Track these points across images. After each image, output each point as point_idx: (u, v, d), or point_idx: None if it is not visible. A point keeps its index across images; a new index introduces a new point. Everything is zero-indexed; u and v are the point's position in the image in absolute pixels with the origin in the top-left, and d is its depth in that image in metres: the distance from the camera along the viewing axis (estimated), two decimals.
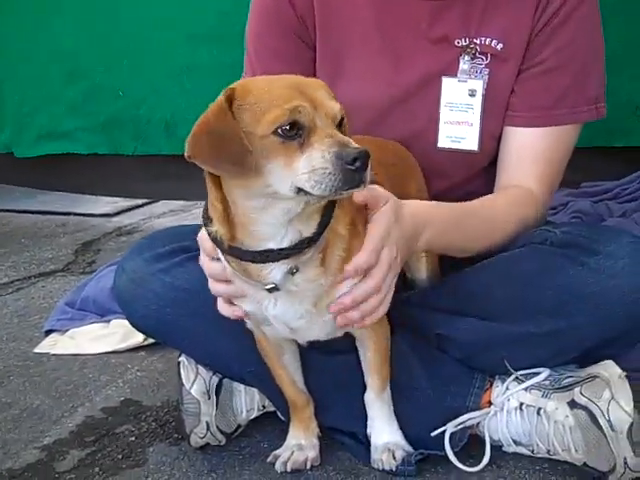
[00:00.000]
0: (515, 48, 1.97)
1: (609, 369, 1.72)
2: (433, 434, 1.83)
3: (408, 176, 2.00)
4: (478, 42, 1.97)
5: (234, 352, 1.91)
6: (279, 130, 1.37)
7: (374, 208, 1.58)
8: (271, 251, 1.50)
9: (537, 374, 1.83)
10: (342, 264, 1.56)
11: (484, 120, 2.00)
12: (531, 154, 2.00)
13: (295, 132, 1.37)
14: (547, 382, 1.81)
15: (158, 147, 4.42)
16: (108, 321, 2.87)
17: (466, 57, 1.98)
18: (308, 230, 1.50)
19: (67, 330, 2.86)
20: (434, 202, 1.81)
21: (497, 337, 1.83)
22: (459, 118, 2.01)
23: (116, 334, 2.75)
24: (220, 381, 2.00)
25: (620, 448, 1.62)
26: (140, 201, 5.02)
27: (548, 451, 1.78)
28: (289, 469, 1.86)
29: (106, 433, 2.16)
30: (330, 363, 1.91)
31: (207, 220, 1.56)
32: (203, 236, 1.61)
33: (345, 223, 1.57)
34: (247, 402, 2.04)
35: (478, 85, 1.99)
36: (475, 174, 2.11)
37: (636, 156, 3.55)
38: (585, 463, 1.72)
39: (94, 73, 4.51)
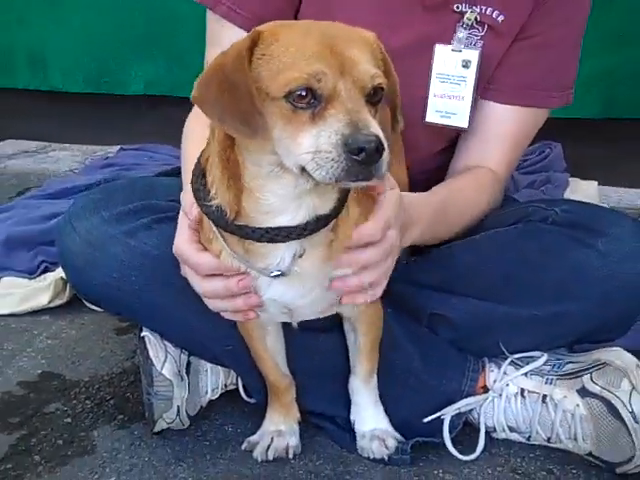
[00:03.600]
0: (515, 23, 1.83)
1: (623, 357, 1.68)
2: (428, 419, 1.73)
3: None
4: (478, 10, 1.80)
5: (210, 328, 1.69)
6: (291, 95, 1.16)
7: (382, 191, 1.43)
8: (282, 229, 1.32)
9: (534, 358, 1.77)
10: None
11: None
12: (502, 134, 1.90)
13: (309, 100, 1.17)
14: (547, 367, 1.75)
15: (19, 81, 3.95)
16: None
17: (464, 24, 1.81)
18: (324, 208, 1.33)
19: None
20: (422, 197, 1.69)
21: (495, 318, 1.74)
22: (450, 91, 1.85)
23: (13, 295, 2.43)
24: (189, 359, 1.78)
25: None
26: None
27: (548, 439, 1.72)
28: (270, 457, 1.70)
29: (34, 413, 1.89)
30: (313, 343, 1.75)
31: (205, 193, 1.35)
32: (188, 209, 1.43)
33: (356, 202, 1.42)
34: (213, 381, 1.85)
35: (473, 56, 1.82)
36: (447, 147, 1.99)
37: None
38: (590, 453, 1.68)
39: None
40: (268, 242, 1.34)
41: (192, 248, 1.43)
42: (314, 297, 1.46)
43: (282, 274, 1.38)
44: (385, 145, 1.15)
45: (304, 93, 1.16)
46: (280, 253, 1.36)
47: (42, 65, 3.92)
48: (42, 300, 2.41)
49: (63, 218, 1.80)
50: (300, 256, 1.37)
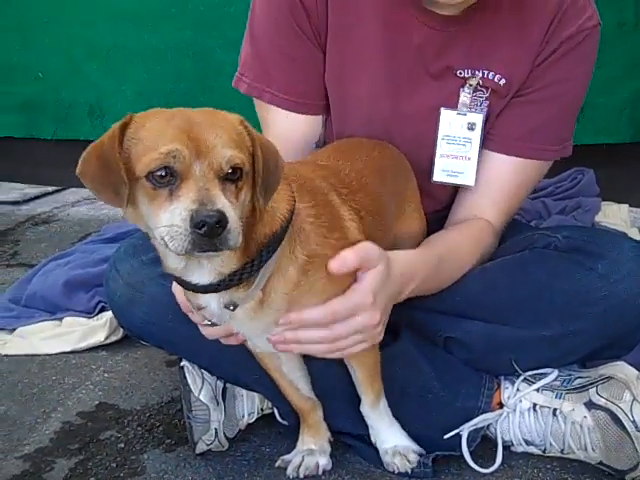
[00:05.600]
0: (515, 84, 1.95)
1: (625, 370, 1.79)
2: (447, 436, 1.85)
3: (405, 180, 2.00)
4: (480, 75, 1.94)
5: (239, 359, 1.85)
6: (151, 175, 1.29)
7: (365, 269, 1.55)
8: (195, 285, 1.47)
9: (545, 375, 1.88)
10: (290, 302, 1.53)
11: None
12: (497, 183, 2.00)
13: (168, 179, 1.29)
14: (557, 383, 1.87)
15: (80, 132, 4.21)
16: (60, 319, 2.75)
17: (467, 89, 1.95)
18: (226, 268, 1.44)
19: (14, 329, 2.72)
20: (417, 253, 1.78)
21: (505, 340, 1.86)
22: (456, 152, 1.98)
23: (73, 333, 2.64)
24: (224, 385, 1.94)
25: None
26: (49, 188, 4.81)
27: (562, 450, 1.83)
28: (302, 476, 1.83)
29: (90, 440, 2.07)
30: (331, 369, 1.88)
31: None
32: None
33: (298, 264, 1.52)
34: (248, 406, 2.01)
35: (478, 119, 1.95)
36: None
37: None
38: (601, 462, 1.78)
39: (10, 51, 4.26)
40: (195, 292, 1.50)
41: (178, 291, 1.62)
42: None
43: (213, 324, 1.57)
44: (230, 219, 1.26)
45: (163, 173, 1.28)
46: (210, 303, 1.52)
47: (100, 116, 4.18)
48: (99, 337, 2.61)
49: (109, 262, 2.00)
50: (232, 309, 1.50)
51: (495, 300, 1.87)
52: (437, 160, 1.99)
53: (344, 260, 1.51)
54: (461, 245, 1.91)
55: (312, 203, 1.57)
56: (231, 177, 1.33)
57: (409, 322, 1.91)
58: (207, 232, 1.24)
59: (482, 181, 1.99)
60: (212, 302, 1.51)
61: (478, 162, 1.98)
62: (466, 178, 1.99)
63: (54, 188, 4.81)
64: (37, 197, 4.69)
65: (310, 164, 1.79)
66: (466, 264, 1.90)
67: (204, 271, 1.44)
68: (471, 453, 1.85)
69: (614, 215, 3.31)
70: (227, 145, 1.32)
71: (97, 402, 2.27)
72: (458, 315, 1.90)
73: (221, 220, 1.25)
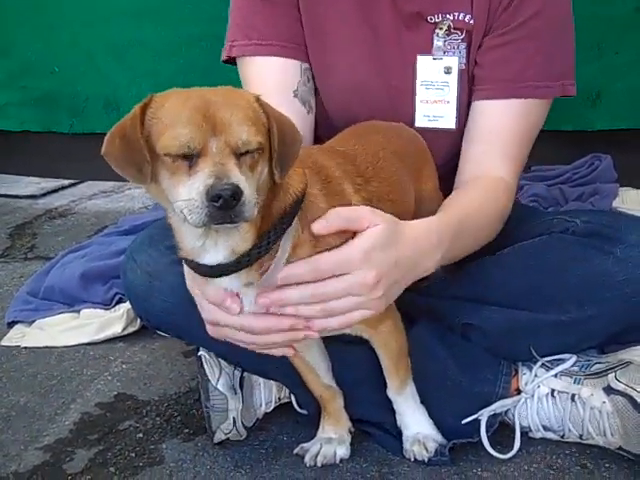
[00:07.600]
0: (480, 23, 1.94)
1: None
2: (465, 421, 1.84)
3: (422, 161, 2.00)
4: (451, 17, 1.95)
5: None
6: (170, 155, 1.33)
7: (358, 230, 1.51)
8: (215, 266, 1.46)
9: (563, 360, 1.87)
10: None
11: (463, 98, 1.99)
12: (501, 132, 1.96)
13: (186, 156, 1.33)
14: (576, 368, 1.85)
15: (96, 125, 4.23)
16: (77, 311, 2.76)
17: (439, 33, 1.96)
18: (242, 246, 1.44)
19: (33, 321, 2.73)
20: (435, 219, 1.72)
21: (523, 325, 1.85)
22: (435, 96, 1.99)
23: (91, 325, 2.65)
24: (242, 374, 1.94)
25: None
26: (65, 182, 4.84)
27: (580, 436, 1.82)
28: (319, 464, 1.83)
29: (109, 430, 2.08)
30: (352, 355, 1.88)
31: None
32: None
33: (308, 241, 1.52)
34: (266, 395, 2.01)
35: (453, 62, 1.97)
36: (457, 152, 2.06)
37: (585, 140, 3.66)
38: (620, 447, 1.77)
39: (27, 46, 4.29)
40: (209, 277, 1.50)
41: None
42: None
43: None
44: (245, 192, 1.29)
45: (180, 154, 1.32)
46: (228, 285, 1.51)
47: (116, 109, 4.20)
48: (117, 329, 2.62)
49: (126, 253, 2.00)
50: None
51: (512, 286, 1.86)
52: (417, 106, 2.00)
53: (326, 219, 1.49)
54: (480, 206, 1.86)
55: (324, 191, 1.58)
56: (249, 151, 1.36)
57: (426, 309, 1.91)
58: (222, 205, 1.28)
59: (485, 132, 1.96)
60: (229, 285, 1.50)
61: (458, 106, 1.99)
62: (447, 122, 2.01)
63: (70, 181, 4.83)
64: (54, 191, 4.72)
65: (328, 150, 1.79)
66: (487, 227, 1.86)
67: (220, 251, 1.44)
68: (489, 439, 1.84)
69: (632, 201, 3.28)
70: (243, 122, 1.35)
71: (115, 393, 2.28)
72: (476, 301, 1.89)
73: (235, 193, 1.28)
